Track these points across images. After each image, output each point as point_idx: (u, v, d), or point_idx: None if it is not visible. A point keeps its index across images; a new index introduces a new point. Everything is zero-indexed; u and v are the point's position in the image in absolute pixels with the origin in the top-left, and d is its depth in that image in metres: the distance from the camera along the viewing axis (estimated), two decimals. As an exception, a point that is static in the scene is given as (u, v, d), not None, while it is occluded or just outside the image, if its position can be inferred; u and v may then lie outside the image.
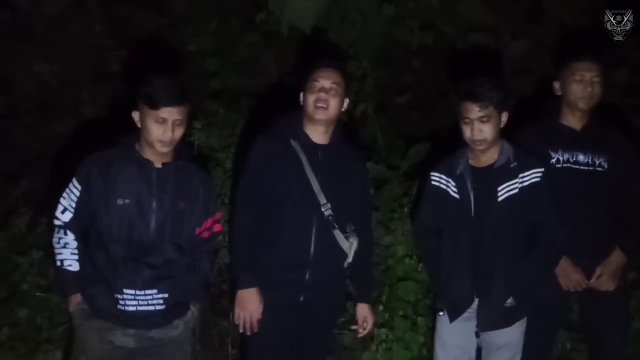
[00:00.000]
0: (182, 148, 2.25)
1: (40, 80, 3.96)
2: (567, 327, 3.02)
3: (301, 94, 2.39)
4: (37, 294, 2.98)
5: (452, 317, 2.42)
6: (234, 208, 2.46)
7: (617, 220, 2.55)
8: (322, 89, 2.32)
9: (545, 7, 4.09)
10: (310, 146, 2.36)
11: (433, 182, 2.47)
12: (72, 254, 2.17)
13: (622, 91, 3.69)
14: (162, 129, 2.11)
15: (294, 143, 2.35)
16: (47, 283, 2.98)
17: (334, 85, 2.33)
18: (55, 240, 2.20)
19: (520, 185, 2.35)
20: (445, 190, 2.44)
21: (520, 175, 2.35)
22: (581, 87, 2.54)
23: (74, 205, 2.16)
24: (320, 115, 2.32)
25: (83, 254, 2.18)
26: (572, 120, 2.59)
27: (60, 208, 2.19)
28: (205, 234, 2.27)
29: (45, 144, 3.61)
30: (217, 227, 2.32)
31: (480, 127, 2.32)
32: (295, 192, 2.32)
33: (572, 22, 3.97)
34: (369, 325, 2.47)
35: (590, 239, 2.52)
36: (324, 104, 2.31)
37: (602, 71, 2.56)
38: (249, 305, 2.31)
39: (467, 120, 2.34)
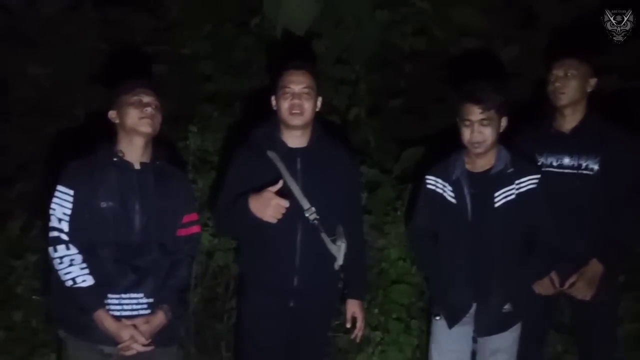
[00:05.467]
0: (158, 150, 2.29)
1: (35, 83, 3.96)
2: (559, 329, 3.05)
3: (272, 99, 2.36)
4: (33, 297, 2.98)
5: (451, 324, 2.40)
6: (214, 216, 2.47)
7: (602, 226, 2.50)
8: (294, 95, 2.29)
9: (536, 13, 4.14)
10: (287, 153, 2.33)
11: (429, 186, 2.45)
12: (81, 269, 2.11)
13: (613, 96, 3.73)
14: (139, 109, 2.19)
15: (270, 153, 2.33)
16: (42, 286, 2.99)
17: (306, 89, 2.29)
18: (56, 261, 2.11)
19: (517, 192, 2.33)
20: (442, 195, 2.42)
21: (517, 181, 2.34)
22: (553, 84, 2.53)
23: (69, 212, 2.14)
24: (296, 121, 2.30)
25: (90, 264, 2.13)
26: (562, 122, 2.57)
27: (54, 220, 2.14)
28: (183, 232, 2.28)
29: (39, 147, 3.61)
30: (195, 228, 2.32)
31: (481, 129, 2.29)
32: None
33: (563, 28, 4.01)
34: (358, 322, 2.45)
35: (569, 244, 2.47)
36: (298, 109, 2.28)
37: (577, 65, 2.51)
38: (263, 196, 2.18)
39: (467, 122, 2.31)
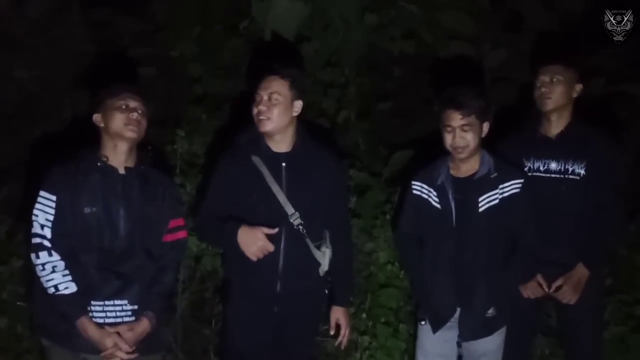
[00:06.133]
0: (143, 154, 2.28)
1: (21, 86, 3.92)
2: (546, 332, 3.07)
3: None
4: (18, 303, 2.95)
5: (435, 328, 2.43)
6: (195, 221, 2.44)
7: (588, 230, 2.53)
8: (261, 101, 2.28)
9: (524, 17, 4.17)
10: (271, 158, 2.32)
11: (414, 192, 2.48)
12: (63, 275, 2.09)
13: (599, 100, 3.77)
14: (125, 114, 2.17)
15: (254, 158, 2.31)
16: (27, 292, 2.96)
17: (273, 95, 2.27)
18: (39, 267, 2.09)
19: (500, 196, 2.36)
20: (427, 200, 2.45)
21: (501, 186, 2.37)
22: (539, 90, 2.56)
23: (51, 218, 2.11)
24: (264, 128, 2.28)
25: (73, 271, 2.11)
26: (548, 127, 2.60)
27: (37, 226, 2.11)
28: (169, 237, 2.27)
29: (25, 150, 3.58)
30: (181, 234, 2.30)
31: (462, 135, 2.33)
32: (261, 206, 2.29)
33: (550, 32, 4.05)
34: (342, 329, 2.44)
35: (556, 249, 2.51)
36: (264, 115, 2.27)
37: (563, 71, 2.54)
38: (256, 232, 2.22)
39: (448, 128, 2.35)
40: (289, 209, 2.29)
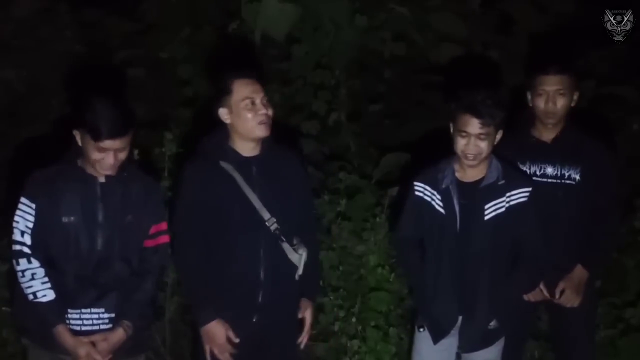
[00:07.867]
0: (124, 160, 2.17)
1: (8, 87, 3.89)
2: (536, 336, 3.06)
3: (220, 110, 2.20)
4: (3, 308, 2.91)
5: (436, 339, 2.34)
6: (175, 244, 2.32)
7: (583, 234, 2.51)
8: (260, 105, 2.20)
9: (514, 19, 4.19)
10: (241, 162, 2.23)
11: (417, 193, 2.35)
12: (42, 283, 2.06)
13: (589, 102, 3.78)
14: (102, 156, 2.06)
15: (223, 164, 2.22)
16: (12, 296, 2.92)
17: (265, 98, 2.22)
18: (19, 274, 2.07)
19: (507, 205, 2.27)
20: (430, 203, 2.31)
21: (508, 194, 2.27)
22: (543, 102, 2.50)
23: (31, 225, 2.07)
24: (265, 132, 2.21)
25: (52, 278, 2.08)
26: (543, 132, 2.57)
27: (17, 233, 2.08)
28: (151, 243, 2.21)
29: (12, 152, 3.55)
30: (163, 239, 2.23)
31: (477, 142, 2.20)
32: (237, 213, 2.21)
33: (541, 34, 4.07)
34: (306, 325, 2.35)
35: (554, 253, 2.47)
36: (267, 119, 2.20)
37: (568, 83, 2.50)
38: (217, 339, 2.23)
39: (464, 133, 2.21)
40: (265, 214, 2.23)
